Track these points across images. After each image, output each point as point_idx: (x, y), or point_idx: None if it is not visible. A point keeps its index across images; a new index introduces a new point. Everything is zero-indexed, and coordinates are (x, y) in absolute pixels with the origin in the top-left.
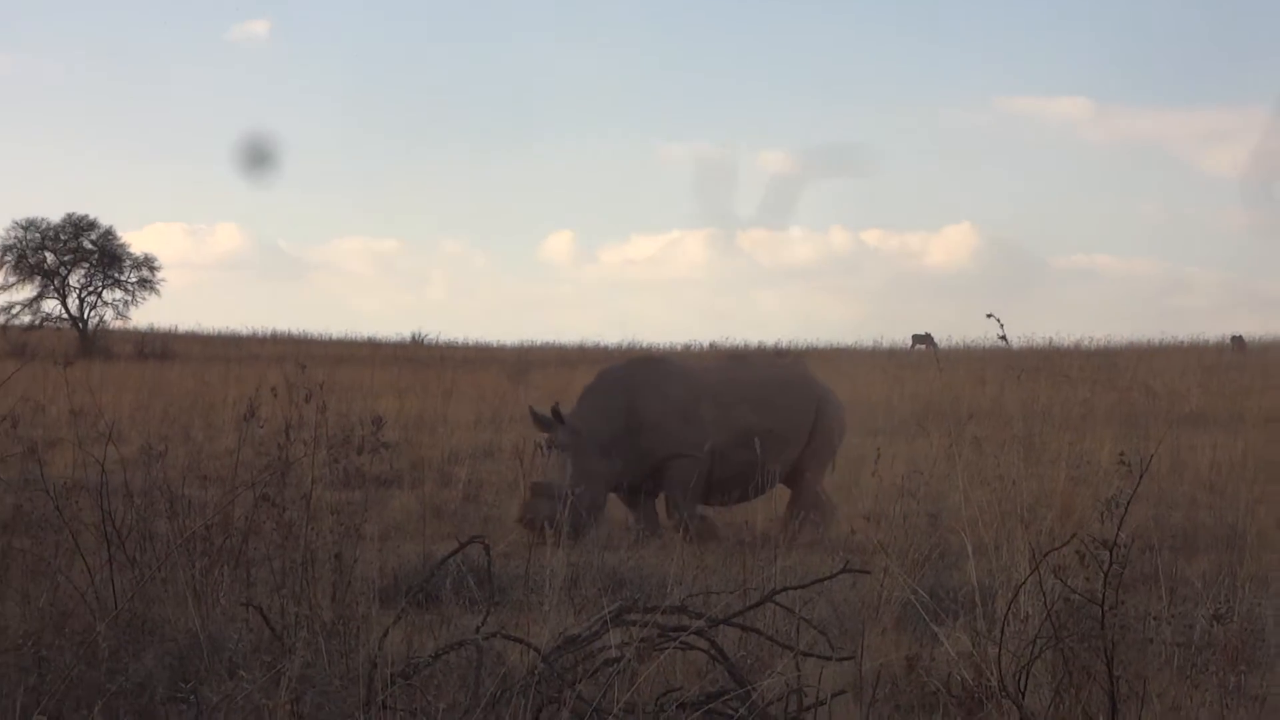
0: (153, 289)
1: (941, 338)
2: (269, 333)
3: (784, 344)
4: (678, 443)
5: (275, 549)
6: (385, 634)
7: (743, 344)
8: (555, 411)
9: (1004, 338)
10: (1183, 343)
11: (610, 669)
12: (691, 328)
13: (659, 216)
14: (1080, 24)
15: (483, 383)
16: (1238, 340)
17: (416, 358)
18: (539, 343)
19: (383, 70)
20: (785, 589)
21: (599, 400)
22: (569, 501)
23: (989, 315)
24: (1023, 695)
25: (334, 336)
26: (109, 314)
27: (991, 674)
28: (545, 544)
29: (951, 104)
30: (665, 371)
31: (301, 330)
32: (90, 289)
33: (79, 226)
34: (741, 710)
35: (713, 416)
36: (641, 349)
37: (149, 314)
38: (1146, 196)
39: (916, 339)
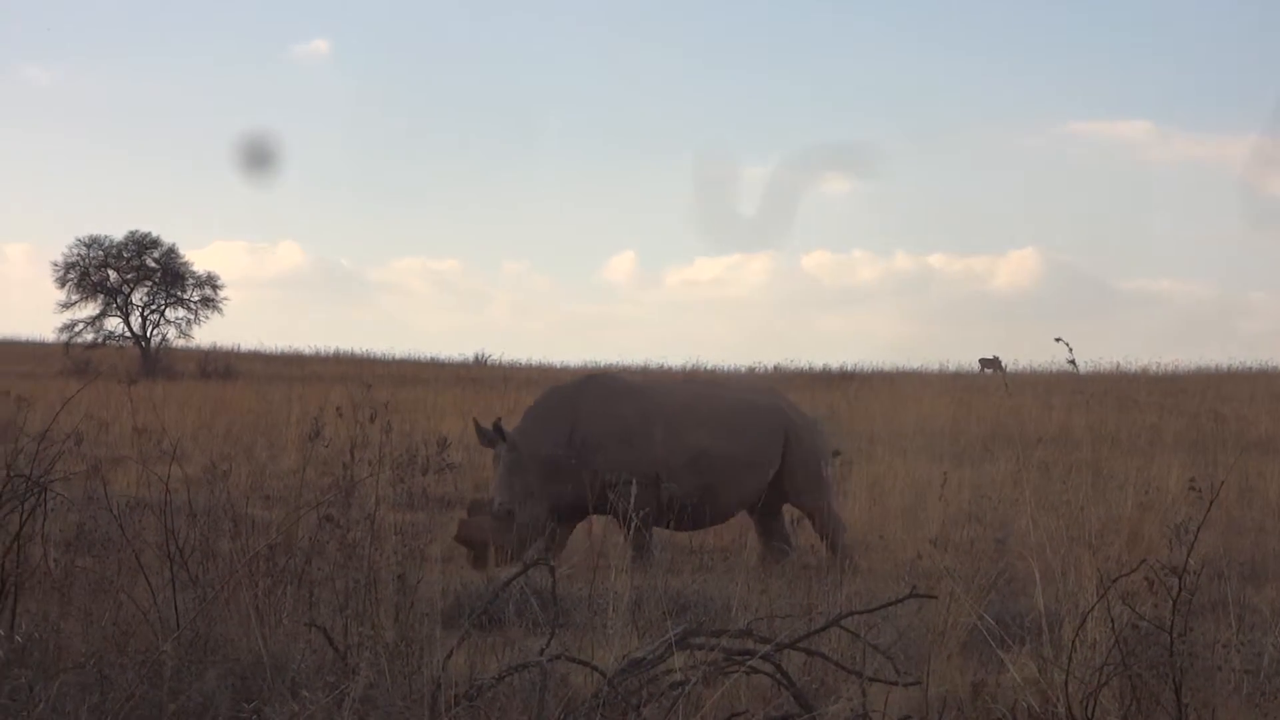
0: (215, 307)
1: (1008, 361)
2: (331, 352)
3: (847, 367)
4: (623, 465)
5: (338, 569)
6: (449, 655)
7: (807, 366)
8: (497, 426)
9: (1073, 361)
10: (1250, 368)
11: (675, 692)
12: (754, 350)
13: (721, 238)
14: (1143, 48)
15: None
16: None
17: (479, 378)
18: (602, 363)
19: (444, 90)
20: (851, 613)
21: (543, 417)
22: (507, 520)
23: (1057, 339)
24: None
25: (396, 356)
26: (171, 332)
27: (1059, 701)
28: (492, 564)
29: (1015, 128)
30: (614, 390)
31: (364, 350)
32: (153, 307)
33: (142, 244)
34: None
35: (663, 439)
36: (705, 371)
37: (211, 332)
38: (1209, 220)
39: (984, 363)
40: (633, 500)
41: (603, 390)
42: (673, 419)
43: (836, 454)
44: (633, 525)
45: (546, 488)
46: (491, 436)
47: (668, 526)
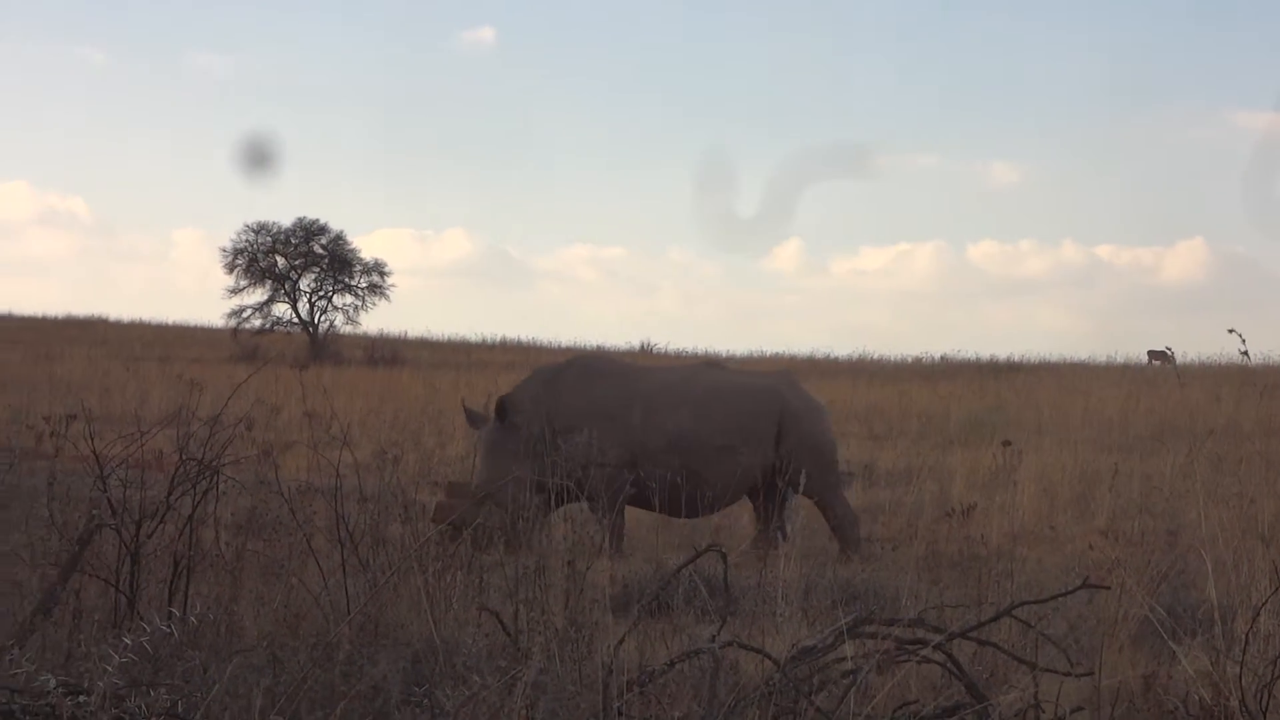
0: (383, 294)
1: (1177, 353)
2: (498, 339)
3: (1014, 358)
4: (595, 448)
5: (507, 555)
6: (620, 641)
7: (974, 357)
8: (498, 406)
9: (1245, 353)
10: None
11: (846, 681)
12: (920, 340)
13: (888, 228)
14: None
15: None
16: None
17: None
18: (768, 353)
19: (611, 78)
20: (1023, 603)
21: (523, 398)
22: (484, 501)
23: (1230, 330)
24: (1264, 715)
25: (562, 344)
26: (339, 318)
27: (1231, 694)
28: (468, 545)
29: (1182, 118)
30: (594, 370)
31: (530, 337)
32: (321, 293)
33: (310, 231)
34: None
35: (641, 421)
36: (870, 360)
37: (379, 319)
38: None
39: (1153, 354)
40: (606, 484)
41: (582, 371)
42: (652, 400)
43: (1006, 444)
44: (607, 508)
45: (525, 468)
46: (478, 419)
47: (659, 511)
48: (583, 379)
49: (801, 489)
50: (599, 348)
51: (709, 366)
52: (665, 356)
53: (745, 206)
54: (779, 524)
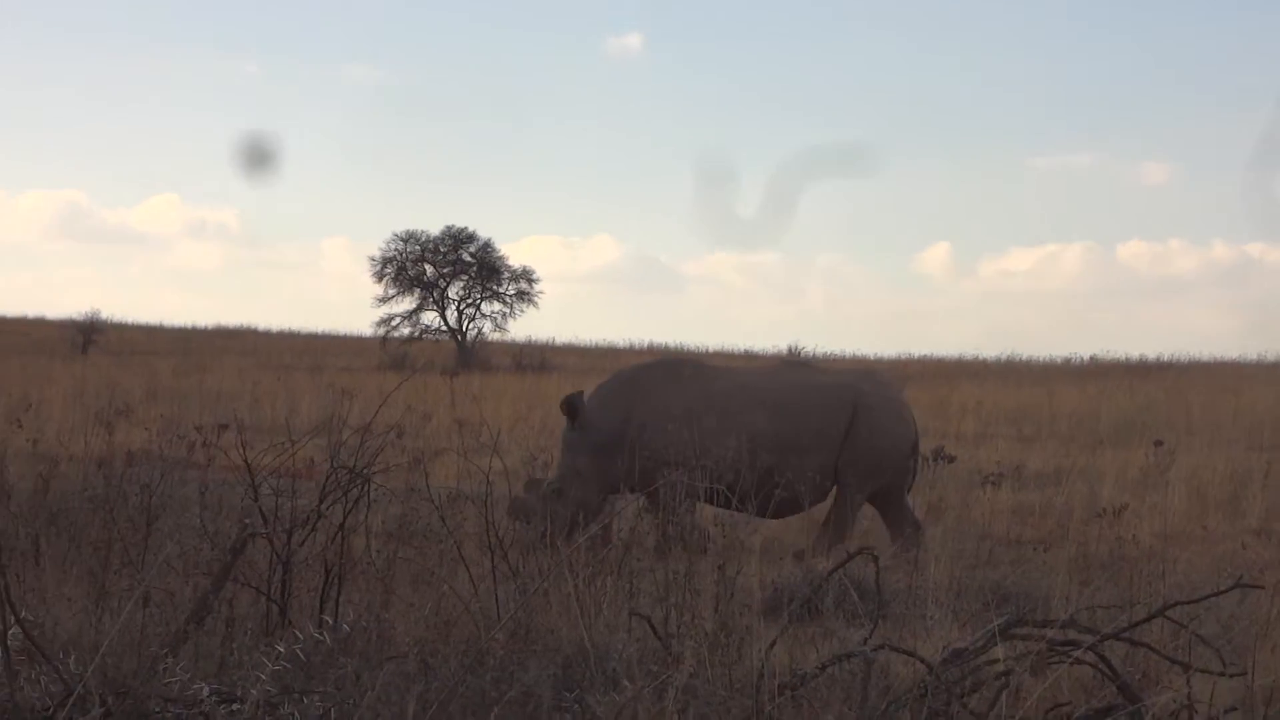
0: (530, 301)
1: None
2: (646, 345)
3: (1164, 357)
4: (668, 450)
5: (657, 561)
6: (772, 645)
7: (1124, 357)
8: (567, 406)
9: None
10: None
11: (999, 683)
12: (1069, 340)
13: (1036, 229)
14: None
15: None
16: None
17: None
18: (917, 355)
19: (756, 85)
20: (1176, 604)
21: (602, 399)
22: (553, 500)
23: None
24: None
25: (711, 349)
26: (487, 326)
27: None
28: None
29: None
30: (672, 373)
31: (678, 342)
32: (469, 301)
33: (458, 239)
34: None
35: (715, 423)
36: (1019, 362)
37: (526, 326)
38: None
39: None
40: (677, 486)
41: (661, 374)
42: (727, 400)
43: (1159, 443)
44: (669, 510)
45: (598, 468)
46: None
47: (750, 513)
48: (659, 380)
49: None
50: (746, 352)
51: (789, 365)
52: (814, 360)
53: (890, 208)
54: (912, 521)
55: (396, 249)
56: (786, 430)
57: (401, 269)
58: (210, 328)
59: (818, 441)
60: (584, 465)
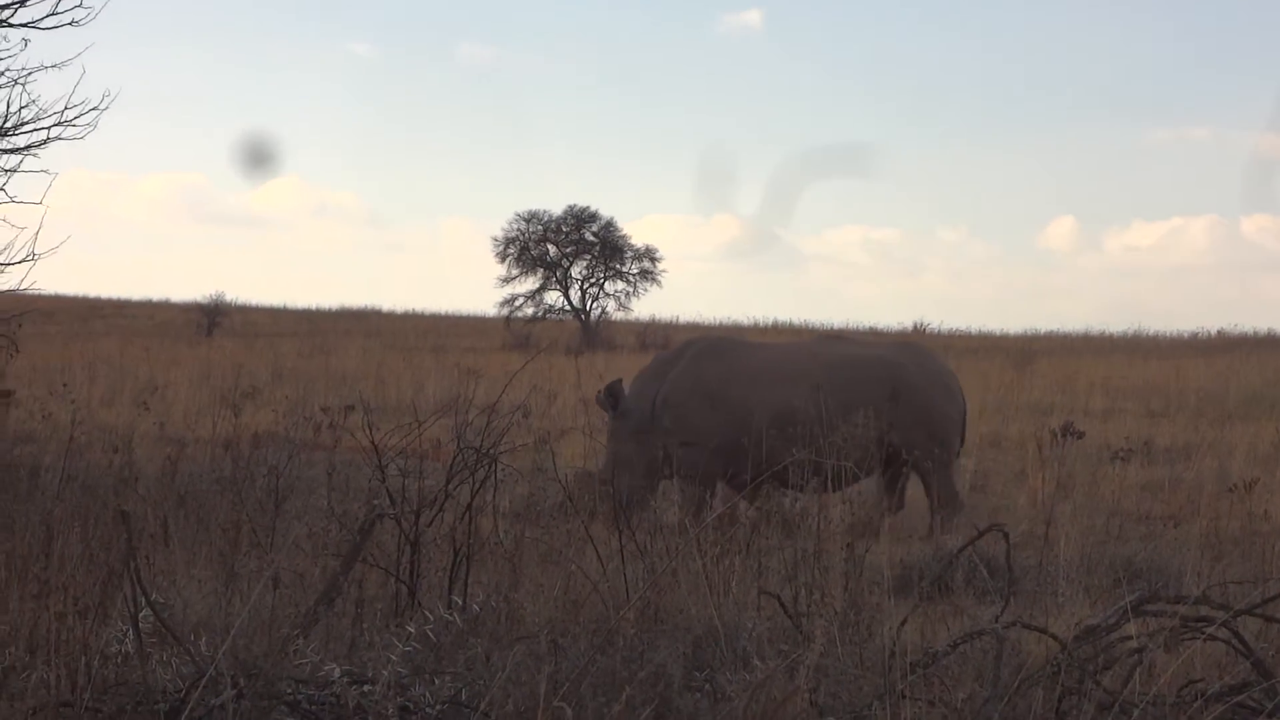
0: (653, 280)
1: None
2: (769, 322)
3: None
4: (688, 427)
5: (785, 539)
6: (902, 623)
7: (1251, 331)
8: (608, 394)
9: None
10: None
11: (1132, 660)
12: (1195, 315)
13: (1161, 202)
14: None
15: (987, 371)
16: None
17: None
18: (1043, 331)
19: (872, 57)
20: None
21: (642, 383)
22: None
23: None
24: None
25: (834, 325)
26: (610, 305)
27: None
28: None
29: None
30: (707, 351)
31: (802, 320)
32: (592, 280)
33: (580, 218)
34: (1269, 705)
35: (742, 399)
36: (1145, 337)
37: (650, 305)
38: None
39: None
40: (694, 463)
41: (696, 352)
42: (760, 376)
43: None
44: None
45: (639, 453)
46: (611, 401)
47: (784, 487)
48: (694, 360)
49: (911, 463)
50: (870, 329)
51: (828, 339)
52: (937, 336)
53: (1017, 185)
54: (900, 498)
55: (519, 229)
56: (817, 404)
57: (524, 249)
58: (334, 309)
59: (854, 414)
60: (630, 452)
